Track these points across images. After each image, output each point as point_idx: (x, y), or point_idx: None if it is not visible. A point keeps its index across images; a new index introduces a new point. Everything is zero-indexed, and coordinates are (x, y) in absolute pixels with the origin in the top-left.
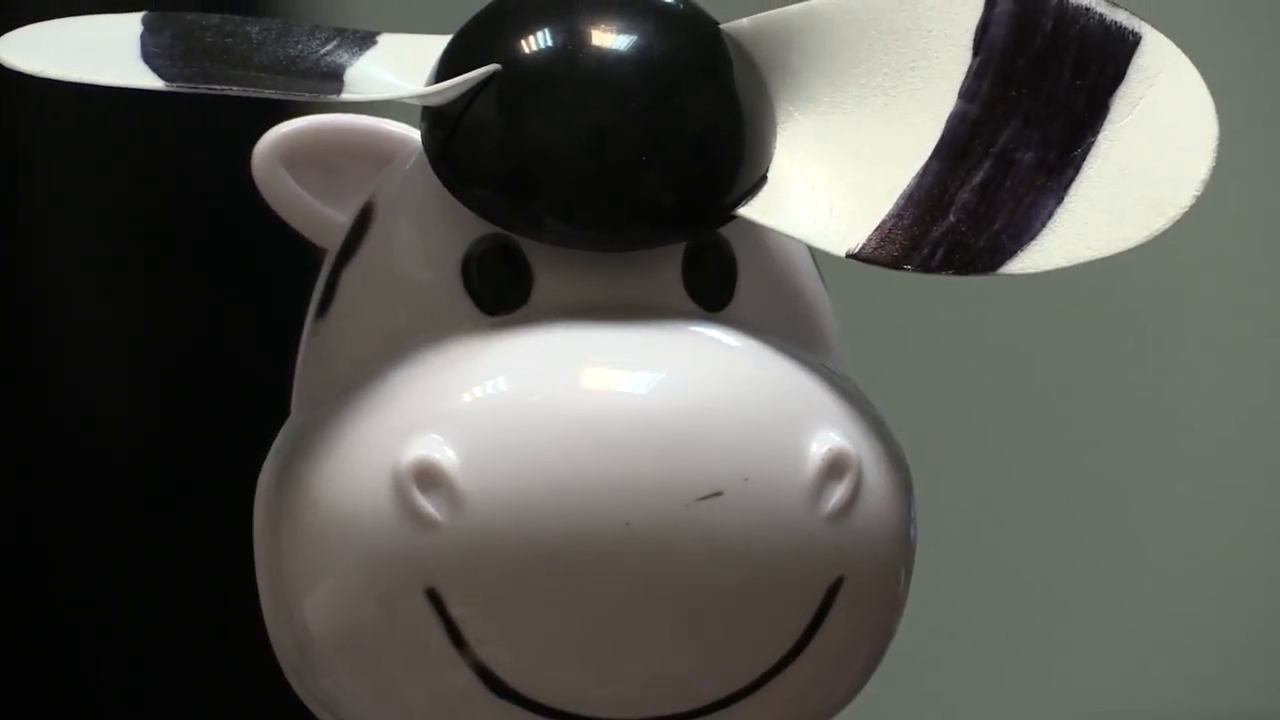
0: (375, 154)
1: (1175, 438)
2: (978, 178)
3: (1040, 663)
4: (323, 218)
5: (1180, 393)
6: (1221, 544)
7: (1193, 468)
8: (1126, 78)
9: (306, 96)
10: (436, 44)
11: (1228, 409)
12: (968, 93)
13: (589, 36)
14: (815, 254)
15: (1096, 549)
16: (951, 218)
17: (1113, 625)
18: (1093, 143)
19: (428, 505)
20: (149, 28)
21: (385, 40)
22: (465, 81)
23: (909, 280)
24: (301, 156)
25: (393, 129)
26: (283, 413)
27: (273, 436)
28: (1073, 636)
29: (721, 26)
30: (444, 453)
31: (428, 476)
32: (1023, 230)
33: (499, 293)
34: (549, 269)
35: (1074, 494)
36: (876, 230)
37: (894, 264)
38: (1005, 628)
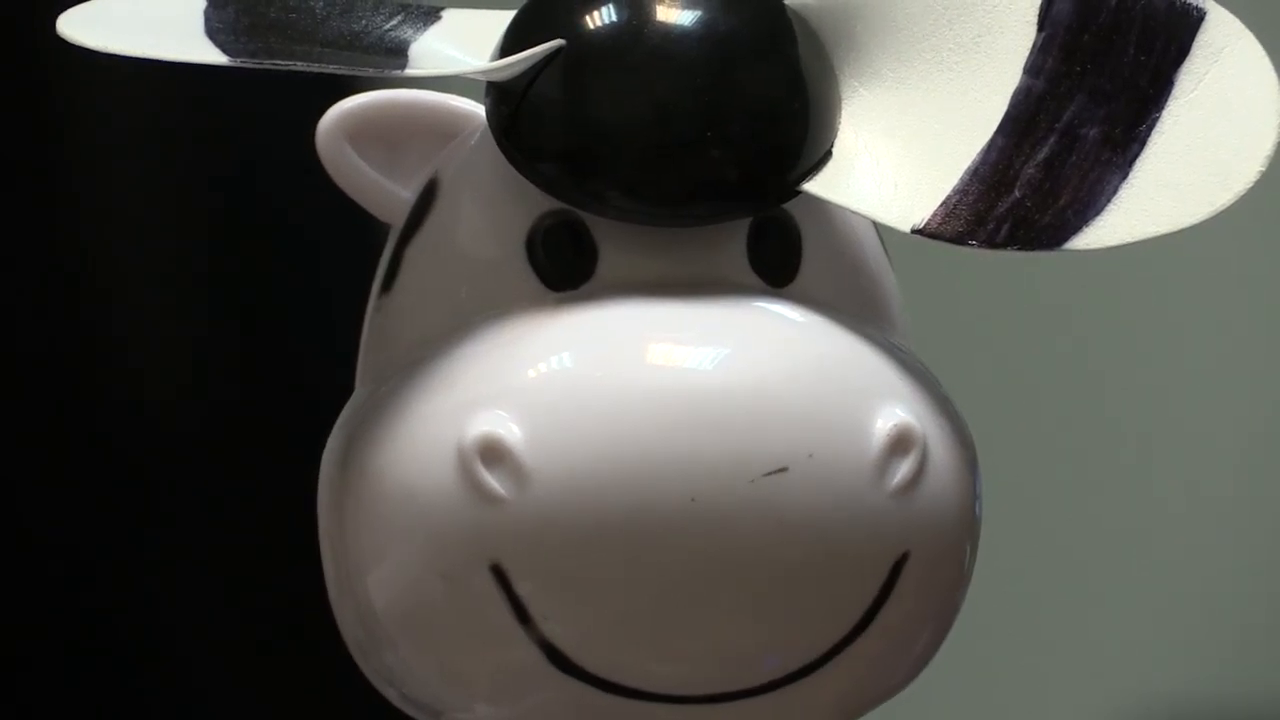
0: (440, 129)
1: (1199, 432)
2: (1043, 153)
3: (1052, 659)
4: (387, 193)
5: (1209, 384)
6: (1249, 535)
7: (1217, 461)
8: (1191, 53)
9: (371, 72)
10: (501, 19)
11: (1265, 401)
12: (1032, 68)
13: (653, 12)
14: (881, 230)
15: (1116, 543)
16: (1016, 193)
17: (1131, 620)
18: (1157, 118)
19: (493, 481)
20: (213, 2)
21: (449, 16)
22: (529, 57)
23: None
24: (366, 132)
25: (457, 104)
26: (341, 397)
27: (330, 421)
28: (1095, 631)
29: (786, 2)
30: (509, 428)
31: (492, 452)
32: (1088, 206)
33: (563, 268)
34: (613, 245)
35: (1091, 489)
36: (941, 206)
37: (959, 239)
38: (1020, 623)
